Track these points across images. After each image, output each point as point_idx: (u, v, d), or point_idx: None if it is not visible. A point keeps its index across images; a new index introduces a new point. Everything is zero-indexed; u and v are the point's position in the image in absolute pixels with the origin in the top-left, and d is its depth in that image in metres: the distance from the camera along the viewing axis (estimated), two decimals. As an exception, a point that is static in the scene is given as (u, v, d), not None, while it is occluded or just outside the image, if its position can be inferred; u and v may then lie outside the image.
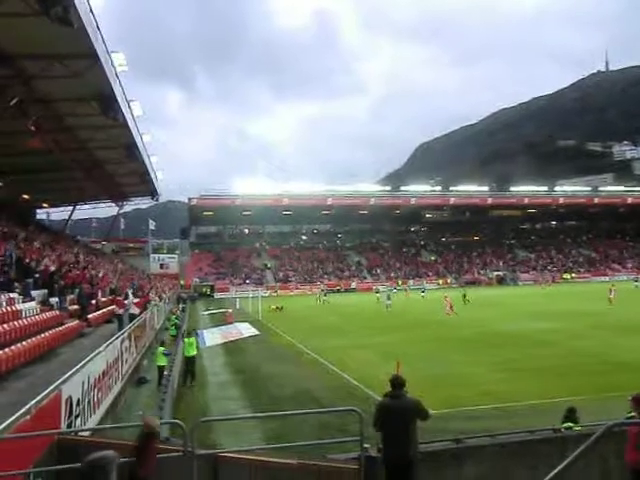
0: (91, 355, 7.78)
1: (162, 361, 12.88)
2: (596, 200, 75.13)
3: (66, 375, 6.10)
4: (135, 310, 14.90)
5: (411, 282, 62.72)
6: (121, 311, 14.43)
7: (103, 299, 18.19)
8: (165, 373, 13.27)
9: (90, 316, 14.61)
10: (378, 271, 66.57)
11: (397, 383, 5.08)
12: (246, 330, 25.04)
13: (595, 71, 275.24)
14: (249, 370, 15.83)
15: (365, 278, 64.33)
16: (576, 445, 3.27)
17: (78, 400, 6.81)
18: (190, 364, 13.75)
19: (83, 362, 7.16)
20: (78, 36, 15.17)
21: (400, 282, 62.18)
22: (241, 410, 11.50)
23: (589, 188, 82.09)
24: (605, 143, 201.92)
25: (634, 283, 46.63)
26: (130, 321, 13.54)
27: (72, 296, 14.80)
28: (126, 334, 11.75)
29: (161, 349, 13.28)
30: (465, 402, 11.09)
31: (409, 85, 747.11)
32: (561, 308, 30.39)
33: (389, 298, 34.45)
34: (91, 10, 16.52)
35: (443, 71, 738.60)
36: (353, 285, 60.34)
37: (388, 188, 76.52)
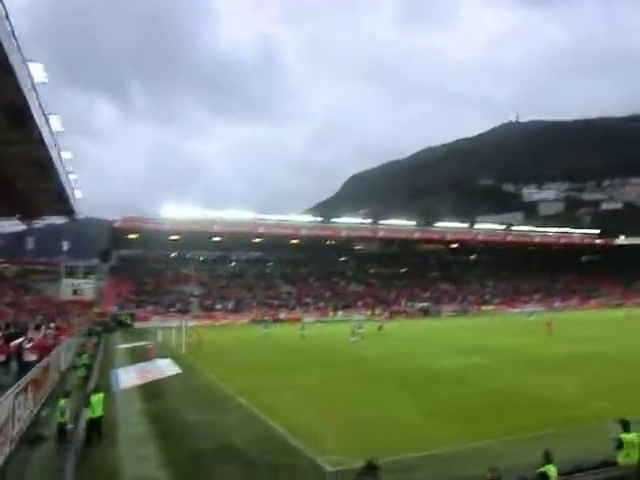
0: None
1: (60, 417, 11.14)
2: (509, 238, 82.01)
3: None
4: (31, 357, 12.69)
5: (340, 313, 62.96)
6: (1, 358, 11.87)
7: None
8: (69, 426, 11.65)
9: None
10: (308, 301, 66.11)
11: (369, 468, 5.32)
12: (167, 368, 23.11)
13: (507, 120, 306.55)
14: (168, 419, 14.40)
15: (294, 308, 63.49)
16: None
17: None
18: (95, 426, 11.34)
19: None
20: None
21: (331, 314, 62.27)
22: (156, 471, 10.26)
23: (504, 226, 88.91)
24: (517, 185, 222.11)
25: (529, 317, 49.82)
26: (24, 370, 11.51)
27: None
28: (21, 387, 10.08)
29: (63, 402, 11.41)
30: (390, 450, 10.80)
31: (348, 117, 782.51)
32: (481, 342, 31.72)
33: (355, 331, 32.10)
34: (7, 16, 15.10)
35: (380, 108, 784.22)
36: (282, 316, 59.22)
37: (320, 218, 77.07)
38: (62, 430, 10.81)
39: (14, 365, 13.56)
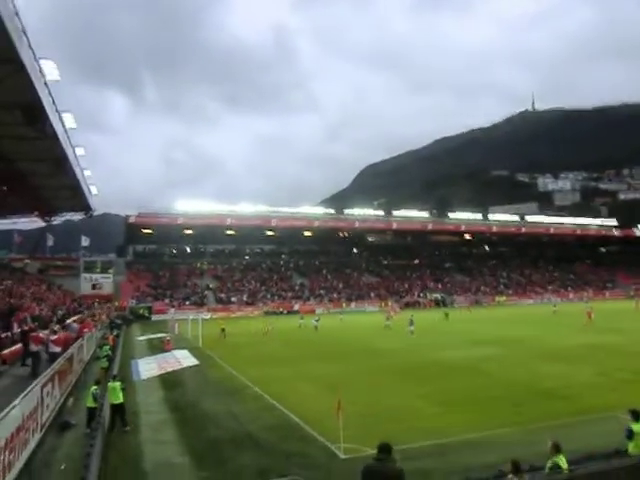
0: (2, 414, 6.84)
1: (92, 402, 11.79)
2: (523, 229, 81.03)
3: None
4: (56, 348, 13.28)
5: (353, 304, 63.34)
6: (37, 348, 12.64)
7: (22, 329, 16.30)
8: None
9: (6, 351, 12.98)
10: (321, 293, 66.58)
11: (383, 449, 5.41)
12: (185, 359, 23.86)
13: (524, 109, 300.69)
14: (187, 407, 14.95)
15: (308, 299, 64.04)
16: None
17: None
18: (117, 412, 12.16)
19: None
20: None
21: (344, 305, 62.63)
22: (176, 456, 10.76)
23: (517, 217, 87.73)
24: (531, 174, 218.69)
25: (553, 308, 49.17)
26: (52, 360, 12.09)
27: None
28: (48, 377, 10.63)
29: (94, 388, 12.08)
30: (401, 439, 11.00)
31: (362, 108, 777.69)
32: (496, 333, 31.74)
33: (412, 323, 32.08)
34: (17, 13, 15.28)
35: (394, 97, 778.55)
36: (296, 307, 59.83)
37: (333, 210, 77.25)
38: (91, 415, 11.38)
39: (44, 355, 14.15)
